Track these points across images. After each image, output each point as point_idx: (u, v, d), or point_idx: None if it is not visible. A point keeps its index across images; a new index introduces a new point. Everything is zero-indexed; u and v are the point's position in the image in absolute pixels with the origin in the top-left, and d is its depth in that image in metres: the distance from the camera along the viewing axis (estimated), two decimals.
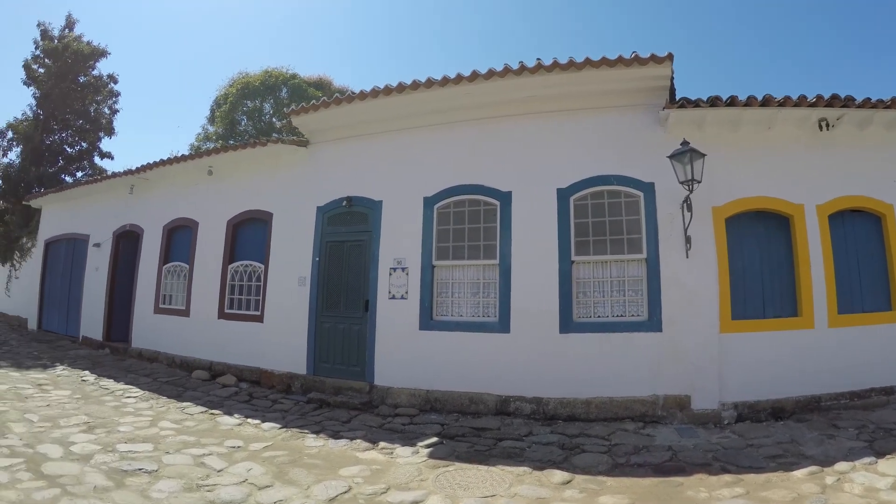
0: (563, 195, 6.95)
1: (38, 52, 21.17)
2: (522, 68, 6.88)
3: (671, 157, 6.18)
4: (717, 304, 6.38)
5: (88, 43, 21.53)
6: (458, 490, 4.33)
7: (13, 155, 21.30)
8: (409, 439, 5.82)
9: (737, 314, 6.45)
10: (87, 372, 9.48)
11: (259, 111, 22.66)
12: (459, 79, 7.20)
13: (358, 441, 5.78)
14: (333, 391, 7.76)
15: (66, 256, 14.91)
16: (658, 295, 6.46)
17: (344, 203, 8.33)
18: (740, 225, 6.70)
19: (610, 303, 6.73)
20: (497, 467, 4.85)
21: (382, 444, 5.66)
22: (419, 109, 7.88)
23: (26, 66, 21.07)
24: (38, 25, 21.34)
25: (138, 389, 8.28)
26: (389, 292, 7.71)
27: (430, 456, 5.23)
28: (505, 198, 7.24)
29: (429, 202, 7.67)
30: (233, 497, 4.16)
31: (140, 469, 4.70)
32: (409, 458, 5.19)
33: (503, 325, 6.98)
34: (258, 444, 5.67)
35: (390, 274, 7.76)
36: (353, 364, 7.90)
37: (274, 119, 22.45)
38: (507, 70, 6.96)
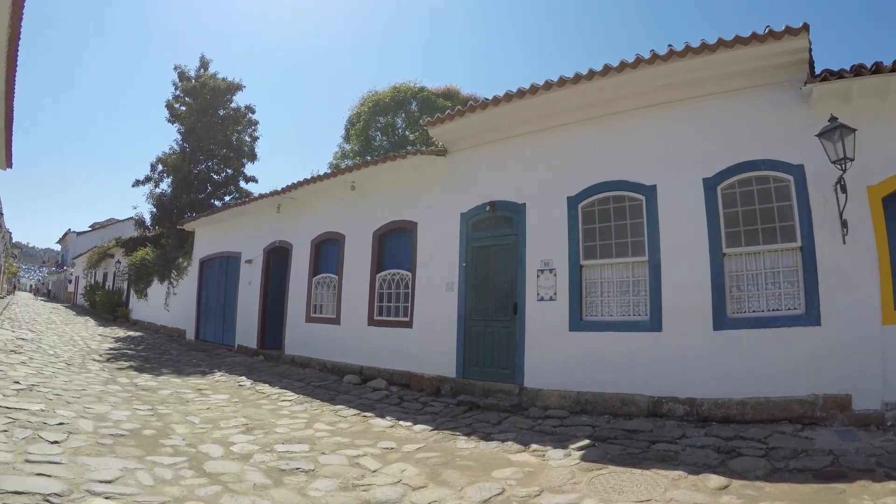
0: (709, 185, 6.90)
1: (177, 93, 24.83)
2: (654, 57, 6.92)
3: (819, 135, 5.89)
4: (878, 294, 5.98)
5: (224, 79, 24.63)
6: (613, 494, 4.33)
7: (165, 185, 24.82)
8: (560, 441, 5.91)
9: None
10: (243, 377, 10.56)
11: (392, 126, 24.16)
12: (591, 74, 7.36)
13: (509, 443, 5.91)
14: (483, 393, 8.15)
15: (219, 273, 17.02)
16: (815, 286, 6.22)
17: (487, 208, 8.84)
18: None
19: (765, 296, 6.55)
20: (651, 471, 4.82)
21: (534, 446, 5.77)
22: (553, 109, 8.19)
23: (168, 106, 24.61)
24: (175, 68, 24.92)
25: (292, 393, 9.05)
26: (538, 294, 8.04)
27: (583, 458, 5.27)
28: (649, 192, 7.31)
29: (572, 201, 7.92)
30: (388, 497, 4.33)
31: (297, 468, 5.03)
32: (562, 461, 5.26)
33: (654, 323, 7.02)
34: (411, 445, 5.95)
35: (538, 276, 8.08)
36: (503, 367, 8.28)
37: (407, 132, 23.81)
38: (638, 60, 7.04)
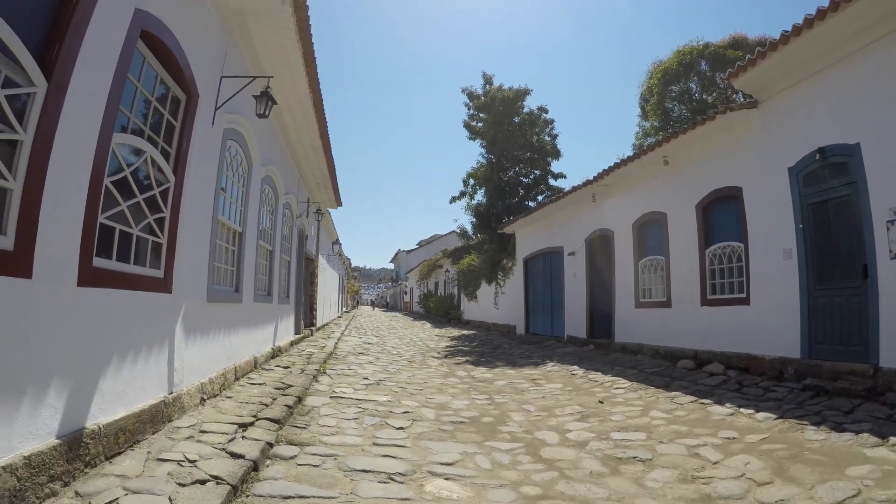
0: None
1: (471, 112, 29.39)
2: None
3: None
4: None
5: (510, 88, 28.36)
6: None
7: (479, 196, 29.36)
8: None
9: None
10: (574, 366, 11.72)
11: (686, 92, 24.02)
12: None
13: (864, 435, 5.58)
14: (831, 376, 7.86)
15: (543, 268, 19.54)
16: None
17: (817, 157, 8.49)
18: None
19: None
20: None
21: (893, 439, 5.38)
22: (871, 19, 7.34)
23: (466, 125, 29.55)
24: (463, 91, 29.56)
25: (625, 381, 9.73)
26: (891, 251, 7.28)
27: None
28: None
29: None
30: (731, 492, 4.36)
31: (634, 457, 5.31)
32: None
33: None
34: (753, 435, 5.98)
35: (888, 228, 7.32)
36: (853, 343, 7.83)
37: (704, 95, 23.38)
38: None
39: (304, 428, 5.86)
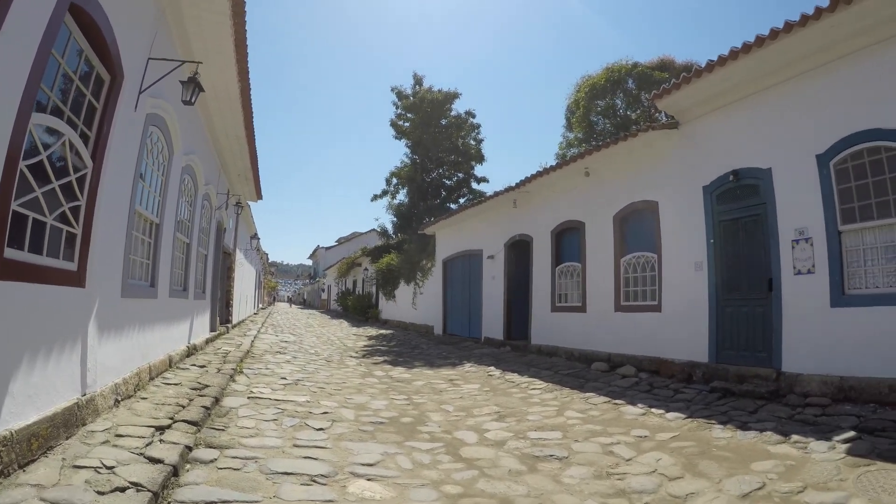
0: None
1: (399, 111, 29.10)
2: None
3: None
4: None
5: (440, 91, 28.24)
6: (883, 495, 4.11)
7: (401, 196, 28.99)
8: (822, 433, 5.75)
9: None
10: (492, 367, 11.71)
11: (612, 108, 24.69)
12: (819, 13, 6.88)
13: (768, 433, 5.85)
14: (737, 379, 8.22)
15: (462, 270, 19.44)
16: None
17: (730, 178, 8.89)
18: None
19: None
20: None
21: (795, 437, 5.66)
22: (785, 60, 7.88)
23: (393, 124, 29.08)
24: (392, 90, 29.28)
25: (541, 382, 9.74)
26: (794, 267, 7.81)
27: (848, 452, 5.06)
28: None
29: (822, 160, 7.54)
30: (644, 487, 4.47)
31: (551, 455, 5.36)
32: (825, 455, 5.10)
33: None
34: (664, 434, 6.13)
35: (793, 247, 7.85)
36: (758, 349, 8.27)
37: (628, 112, 24.10)
38: None
39: (223, 430, 5.62)
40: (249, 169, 14.77)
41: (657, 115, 10.20)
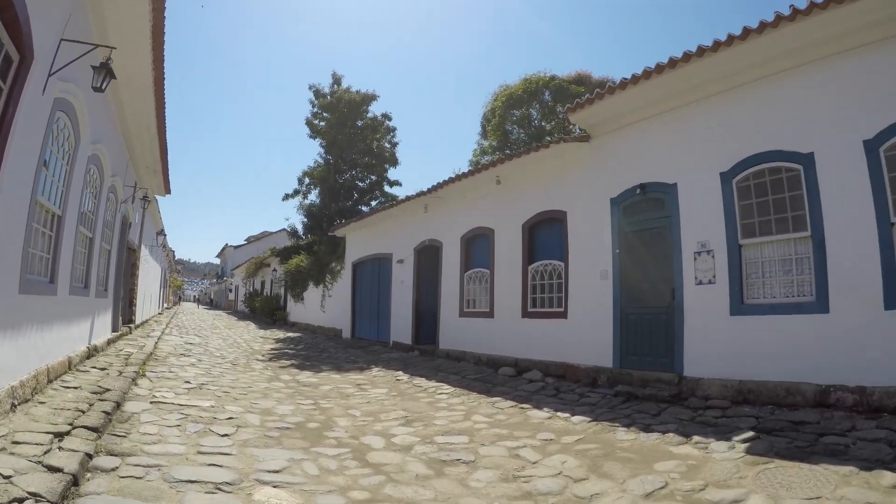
0: (870, 147, 6.49)
1: (315, 110, 28.00)
2: (795, 13, 6.63)
3: None
4: None
5: (357, 91, 27.26)
6: (780, 490, 4.26)
7: (313, 196, 27.82)
8: (722, 433, 5.89)
9: None
10: (400, 372, 11.41)
11: (527, 118, 24.91)
12: (731, 40, 7.24)
13: (670, 435, 5.95)
14: (641, 383, 8.32)
15: (372, 274, 18.80)
16: None
17: (637, 191, 9.04)
18: None
19: None
20: (819, 466, 4.68)
21: (696, 438, 5.77)
22: (694, 82, 8.16)
23: (308, 123, 27.70)
24: (310, 88, 28.17)
25: (449, 386, 9.53)
26: (696, 278, 8.05)
27: (748, 451, 5.20)
28: (806, 160, 7.03)
29: (725, 177, 7.84)
30: (549, 488, 4.46)
31: (458, 459, 5.28)
32: (726, 454, 5.23)
33: (820, 304, 6.74)
34: (570, 436, 6.13)
35: (695, 258, 8.09)
36: (661, 355, 8.41)
37: (543, 123, 24.35)
38: (778, 19, 6.80)
39: (125, 436, 5.23)
40: (159, 161, 13.66)
41: (571, 127, 10.29)
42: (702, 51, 7.58)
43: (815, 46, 7.03)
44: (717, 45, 7.43)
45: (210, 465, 4.68)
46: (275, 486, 4.29)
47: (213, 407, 7.07)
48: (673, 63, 7.93)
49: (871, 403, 6.15)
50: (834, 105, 6.97)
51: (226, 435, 5.73)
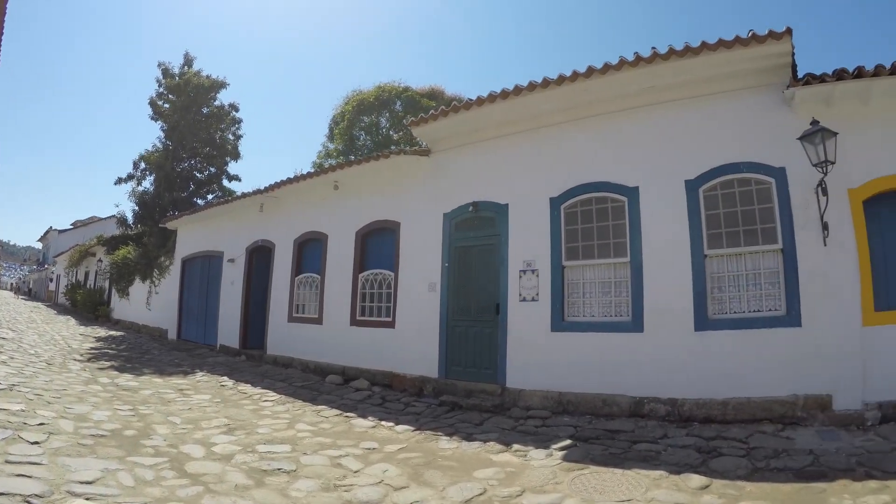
0: (691, 186, 6.93)
1: (161, 90, 24.44)
2: (638, 59, 6.94)
3: (801, 138, 5.94)
4: (858, 295, 6.03)
5: (208, 77, 24.40)
6: (594, 494, 4.38)
7: (147, 183, 24.48)
8: (542, 442, 5.96)
9: (880, 305, 6.04)
10: (225, 377, 10.48)
11: (376, 125, 24.19)
12: (575, 76, 7.39)
13: (491, 443, 5.97)
14: (465, 394, 8.16)
15: (201, 272, 16.83)
16: (796, 287, 6.26)
17: (470, 209, 8.83)
18: (880, 206, 6.29)
19: (746, 297, 6.59)
20: (632, 471, 4.87)
21: (516, 446, 5.83)
22: (537, 110, 8.19)
23: (152, 103, 24.24)
24: (159, 65, 24.59)
25: (274, 394, 8.99)
26: (520, 295, 8.03)
27: (565, 458, 5.32)
28: (632, 193, 7.34)
29: (555, 202, 7.94)
30: (369, 497, 4.39)
31: (279, 469, 5.07)
32: (544, 461, 5.30)
33: (636, 324, 7.03)
34: (393, 445, 6.02)
35: (520, 276, 8.08)
36: (485, 367, 8.28)
37: (391, 132, 23.81)
38: (622, 63, 7.07)
39: None
40: None
41: (418, 140, 10.03)
42: (546, 82, 7.65)
43: (647, 93, 7.37)
44: (546, 83, 7.65)
45: (18, 475, 4.22)
46: (87, 499, 3.94)
47: (23, 411, 6.34)
48: (518, 90, 7.92)
49: (683, 414, 6.46)
50: (662, 146, 7.28)
51: (36, 443, 5.16)
